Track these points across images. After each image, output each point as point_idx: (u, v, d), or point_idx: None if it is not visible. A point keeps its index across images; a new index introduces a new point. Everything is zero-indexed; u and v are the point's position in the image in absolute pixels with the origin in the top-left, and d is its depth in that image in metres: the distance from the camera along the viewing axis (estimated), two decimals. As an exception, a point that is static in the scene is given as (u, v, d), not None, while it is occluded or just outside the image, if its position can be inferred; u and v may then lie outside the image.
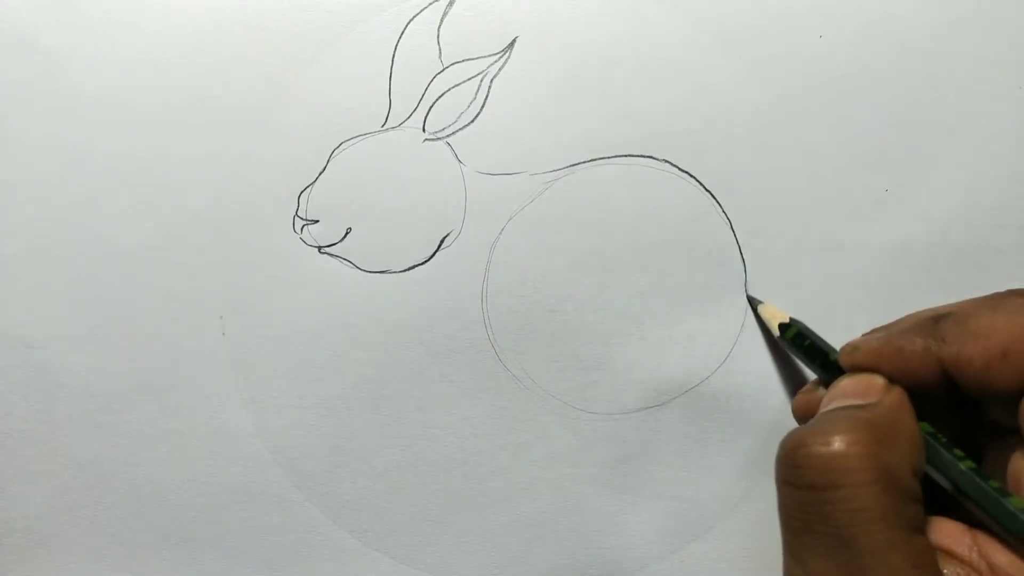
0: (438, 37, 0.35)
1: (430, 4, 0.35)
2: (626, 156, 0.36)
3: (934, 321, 0.26)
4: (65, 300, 0.35)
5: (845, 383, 0.28)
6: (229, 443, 0.36)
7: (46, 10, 0.35)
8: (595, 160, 0.36)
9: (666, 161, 0.36)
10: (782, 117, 0.36)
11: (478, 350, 0.36)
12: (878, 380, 0.27)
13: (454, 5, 0.35)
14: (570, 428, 0.36)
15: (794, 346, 0.33)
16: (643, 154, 0.36)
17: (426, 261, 0.36)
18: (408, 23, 0.35)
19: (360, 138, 0.35)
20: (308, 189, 0.35)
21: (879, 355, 0.28)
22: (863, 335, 0.30)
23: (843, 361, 0.29)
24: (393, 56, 0.35)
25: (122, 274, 0.35)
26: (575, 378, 0.36)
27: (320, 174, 0.35)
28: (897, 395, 0.26)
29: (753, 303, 0.36)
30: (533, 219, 0.36)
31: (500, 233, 0.36)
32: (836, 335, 0.36)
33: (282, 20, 0.35)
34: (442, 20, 0.35)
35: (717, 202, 0.36)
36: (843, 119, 0.36)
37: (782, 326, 0.34)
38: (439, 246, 0.36)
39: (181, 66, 0.35)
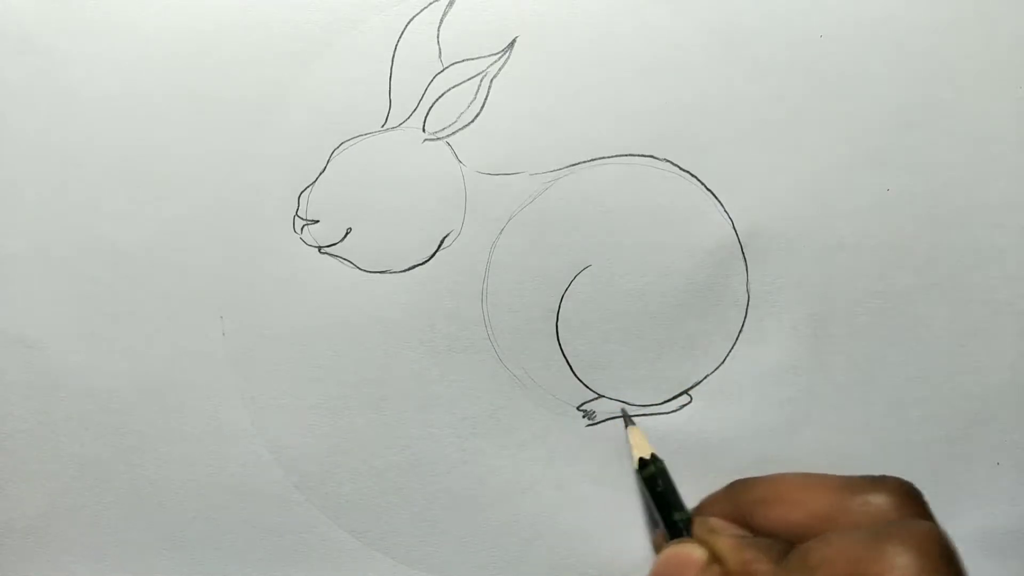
0: (438, 37, 0.35)
1: (430, 4, 0.35)
2: (626, 156, 0.36)
3: (785, 550, 0.27)
4: (65, 300, 0.35)
5: (667, 556, 0.30)
6: (229, 443, 0.36)
7: (46, 10, 0.35)
8: (595, 160, 0.36)
9: (667, 161, 0.36)
10: (782, 117, 0.36)
11: (478, 350, 0.36)
12: (698, 554, 0.29)
13: (454, 5, 0.35)
14: (570, 428, 0.36)
15: (647, 487, 0.34)
16: (644, 153, 0.36)
17: (426, 261, 0.36)
18: (408, 23, 0.35)
19: (360, 138, 0.35)
20: (308, 189, 0.35)
21: (728, 550, 0.29)
22: (707, 511, 0.32)
23: (695, 532, 0.31)
24: (393, 56, 0.35)
25: (122, 274, 0.35)
26: (575, 378, 0.36)
27: (320, 174, 0.35)
28: None
29: (626, 420, 0.36)
30: (533, 219, 0.36)
31: (500, 233, 0.36)
32: (837, 335, 0.36)
33: (282, 20, 0.35)
34: (442, 20, 0.35)
35: (719, 201, 0.36)
36: (843, 119, 0.36)
37: (642, 460, 0.34)
38: (439, 246, 0.36)
39: (181, 66, 0.35)
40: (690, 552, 0.29)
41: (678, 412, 0.36)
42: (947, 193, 0.36)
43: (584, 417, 0.36)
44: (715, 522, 0.31)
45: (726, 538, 0.29)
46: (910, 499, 0.27)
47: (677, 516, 0.32)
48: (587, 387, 0.36)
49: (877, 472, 0.29)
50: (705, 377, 0.36)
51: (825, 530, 0.27)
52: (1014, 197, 0.36)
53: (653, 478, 0.34)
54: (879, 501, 0.27)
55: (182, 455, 0.36)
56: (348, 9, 0.35)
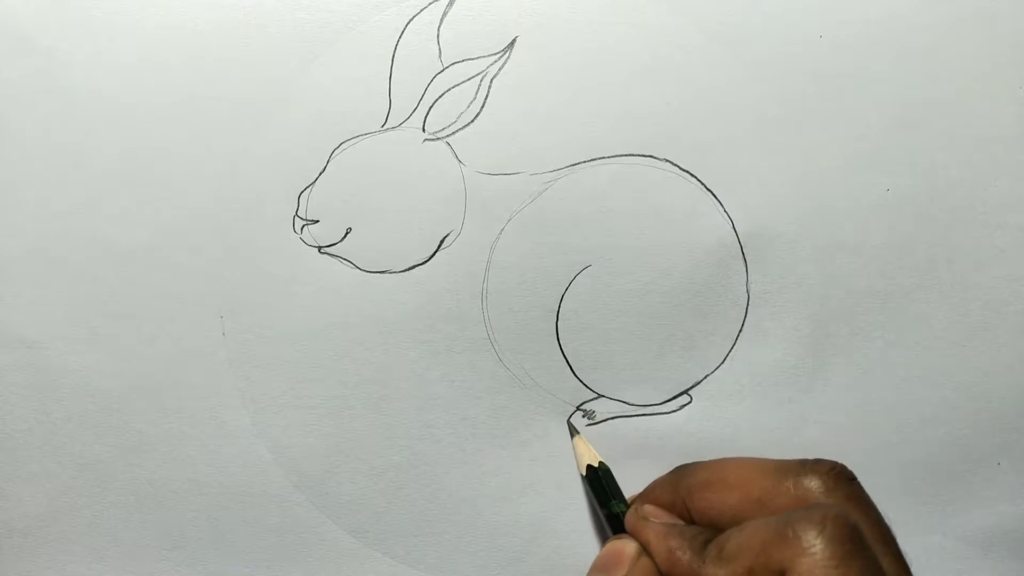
0: (438, 37, 0.35)
1: (430, 4, 0.35)
2: (626, 156, 0.36)
3: (710, 539, 0.28)
4: (65, 300, 0.35)
5: (603, 553, 0.32)
6: (229, 443, 0.36)
7: (46, 10, 0.35)
8: (595, 160, 0.36)
9: (667, 161, 0.36)
10: (782, 117, 0.36)
11: (478, 350, 0.36)
12: (630, 549, 0.30)
13: (454, 5, 0.35)
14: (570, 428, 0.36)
15: (589, 484, 0.35)
16: (644, 153, 0.36)
17: (426, 261, 0.36)
18: (408, 23, 0.35)
19: (360, 138, 0.35)
20: (308, 189, 0.35)
21: (654, 538, 0.30)
22: (650, 496, 0.32)
23: (627, 520, 0.32)
24: (393, 56, 0.35)
25: (122, 274, 0.35)
26: (575, 378, 0.36)
27: (320, 174, 0.35)
28: (642, 570, 0.30)
29: (571, 430, 0.36)
30: (533, 219, 0.36)
31: (500, 233, 0.36)
32: (837, 335, 0.36)
33: (282, 20, 0.35)
34: (442, 20, 0.35)
35: (719, 201, 0.36)
36: (843, 119, 0.36)
37: (589, 468, 0.35)
38: (439, 246, 0.36)
39: (181, 66, 0.35)
40: (623, 546, 0.31)
41: (678, 412, 0.36)
42: (947, 193, 0.36)
43: (584, 417, 0.36)
44: (648, 509, 0.31)
45: (654, 525, 0.30)
46: (841, 481, 0.27)
47: (614, 506, 0.33)
48: (587, 387, 0.36)
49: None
50: (705, 377, 0.36)
51: (758, 514, 0.27)
52: (1014, 197, 0.36)
53: (595, 477, 0.34)
54: (810, 484, 0.27)
55: (182, 455, 0.36)
56: (348, 9, 0.35)
